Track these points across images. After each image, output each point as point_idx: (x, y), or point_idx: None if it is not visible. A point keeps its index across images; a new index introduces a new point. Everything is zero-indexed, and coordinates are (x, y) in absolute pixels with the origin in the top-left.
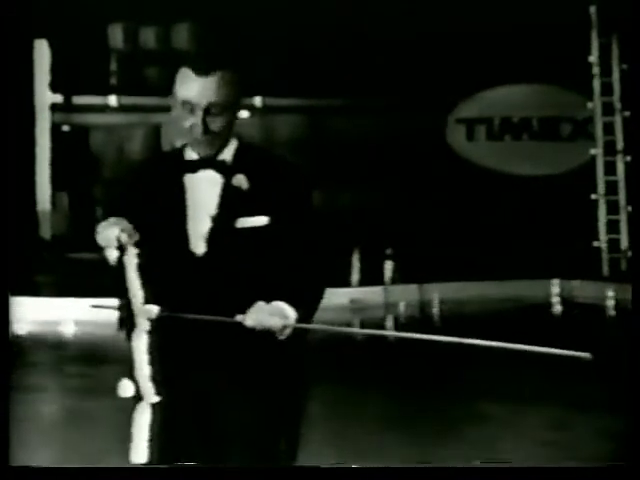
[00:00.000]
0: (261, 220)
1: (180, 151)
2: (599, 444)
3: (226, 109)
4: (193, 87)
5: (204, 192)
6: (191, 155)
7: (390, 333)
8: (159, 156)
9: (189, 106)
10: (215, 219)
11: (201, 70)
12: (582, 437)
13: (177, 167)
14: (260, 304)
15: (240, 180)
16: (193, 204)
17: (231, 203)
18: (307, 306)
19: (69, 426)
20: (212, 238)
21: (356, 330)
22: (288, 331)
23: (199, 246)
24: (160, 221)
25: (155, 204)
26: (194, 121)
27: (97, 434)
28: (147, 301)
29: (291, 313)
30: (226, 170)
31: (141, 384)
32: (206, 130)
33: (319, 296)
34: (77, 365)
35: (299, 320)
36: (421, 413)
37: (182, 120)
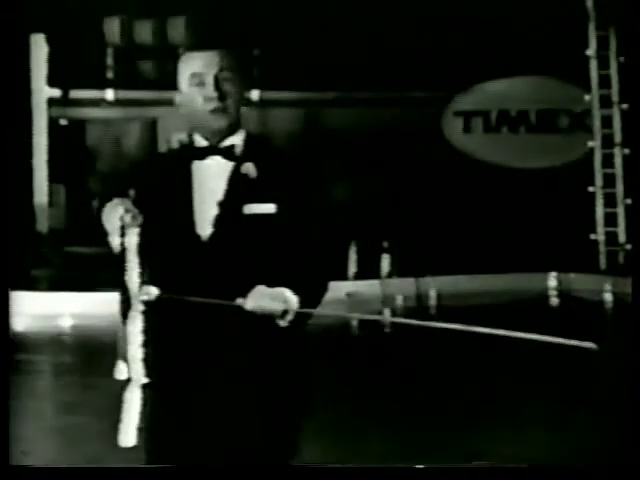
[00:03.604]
0: (268, 207)
1: (189, 141)
2: (598, 442)
3: (234, 80)
4: (199, 60)
5: (212, 178)
6: (200, 142)
7: (393, 319)
8: (167, 151)
9: (199, 78)
10: (222, 204)
11: (204, 46)
12: (581, 435)
13: (185, 155)
14: (261, 288)
15: (248, 168)
16: (200, 190)
17: (239, 189)
18: (310, 296)
19: (69, 421)
20: (219, 223)
21: (359, 315)
22: (289, 317)
23: (205, 231)
24: (167, 206)
25: (163, 190)
26: (207, 91)
27: (97, 429)
28: (147, 283)
29: (293, 299)
30: (234, 157)
31: (132, 365)
32: (221, 96)
33: (323, 287)
34: (76, 358)
35: (301, 311)
36: (420, 410)
37: (193, 98)
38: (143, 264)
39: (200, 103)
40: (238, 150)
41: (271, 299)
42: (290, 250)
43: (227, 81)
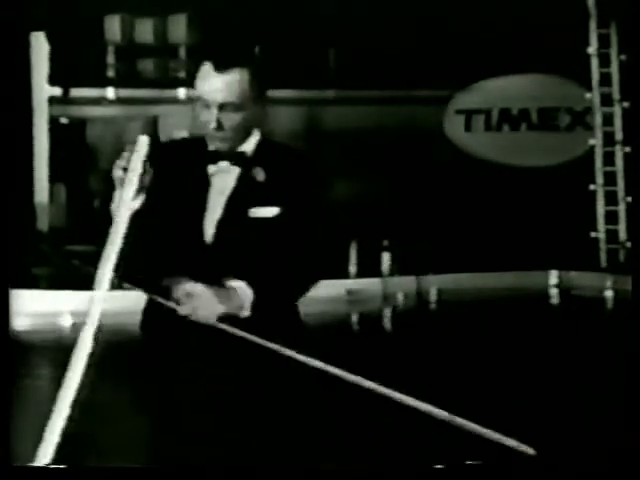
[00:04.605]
0: (272, 211)
1: (203, 140)
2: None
3: (242, 107)
4: (210, 84)
5: (220, 180)
6: (212, 146)
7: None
8: (183, 142)
9: (204, 102)
10: (228, 206)
11: (220, 66)
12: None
13: (200, 156)
14: (200, 290)
15: (257, 172)
16: (210, 193)
17: (244, 193)
18: (274, 292)
19: (69, 421)
20: (222, 225)
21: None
22: (245, 313)
23: (209, 233)
24: (178, 206)
25: (176, 190)
26: (208, 117)
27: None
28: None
29: (241, 298)
30: (244, 162)
31: (68, 384)
32: (218, 127)
33: (295, 287)
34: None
35: (259, 303)
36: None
37: (199, 114)
38: (123, 255)
39: (204, 123)
40: (249, 155)
41: (211, 301)
42: (282, 251)
43: (230, 112)
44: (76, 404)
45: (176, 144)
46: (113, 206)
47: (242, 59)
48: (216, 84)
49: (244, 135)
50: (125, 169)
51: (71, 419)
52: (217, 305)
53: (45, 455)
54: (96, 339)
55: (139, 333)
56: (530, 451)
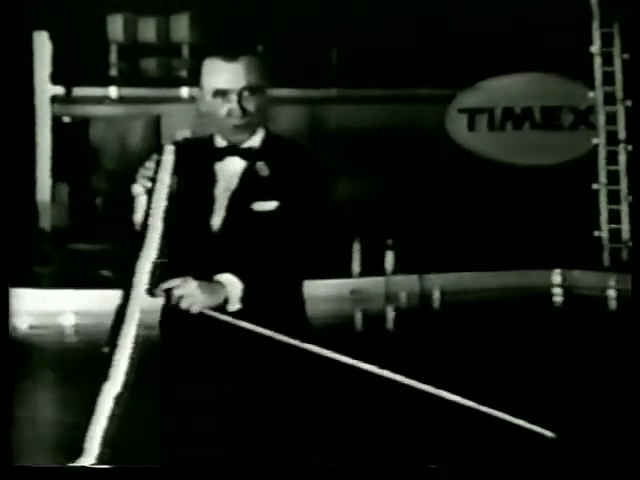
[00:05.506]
0: (272, 204)
1: (210, 139)
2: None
3: (258, 91)
4: (224, 74)
5: (227, 175)
6: (220, 143)
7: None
8: (190, 142)
9: (223, 94)
10: (232, 200)
11: (228, 56)
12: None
13: (208, 154)
14: (182, 281)
15: (261, 167)
16: (217, 189)
17: (249, 188)
18: (263, 286)
19: (71, 421)
20: (227, 220)
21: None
22: (234, 306)
23: (215, 228)
24: (187, 206)
25: (186, 190)
26: (231, 107)
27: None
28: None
29: (227, 291)
30: (250, 158)
31: (109, 387)
32: (244, 113)
33: (284, 281)
34: (78, 356)
35: (248, 295)
36: (421, 409)
37: (216, 109)
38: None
39: (223, 115)
40: (255, 150)
41: (193, 292)
42: (280, 245)
43: (251, 96)
44: (117, 406)
45: (180, 146)
46: (136, 217)
47: (248, 47)
48: (231, 73)
49: (258, 124)
50: (153, 179)
51: (111, 419)
52: (199, 296)
53: (90, 455)
54: (136, 341)
55: (156, 331)
56: (551, 435)
